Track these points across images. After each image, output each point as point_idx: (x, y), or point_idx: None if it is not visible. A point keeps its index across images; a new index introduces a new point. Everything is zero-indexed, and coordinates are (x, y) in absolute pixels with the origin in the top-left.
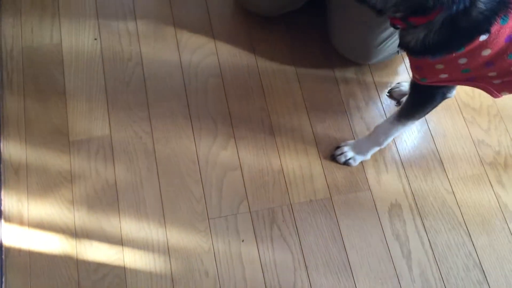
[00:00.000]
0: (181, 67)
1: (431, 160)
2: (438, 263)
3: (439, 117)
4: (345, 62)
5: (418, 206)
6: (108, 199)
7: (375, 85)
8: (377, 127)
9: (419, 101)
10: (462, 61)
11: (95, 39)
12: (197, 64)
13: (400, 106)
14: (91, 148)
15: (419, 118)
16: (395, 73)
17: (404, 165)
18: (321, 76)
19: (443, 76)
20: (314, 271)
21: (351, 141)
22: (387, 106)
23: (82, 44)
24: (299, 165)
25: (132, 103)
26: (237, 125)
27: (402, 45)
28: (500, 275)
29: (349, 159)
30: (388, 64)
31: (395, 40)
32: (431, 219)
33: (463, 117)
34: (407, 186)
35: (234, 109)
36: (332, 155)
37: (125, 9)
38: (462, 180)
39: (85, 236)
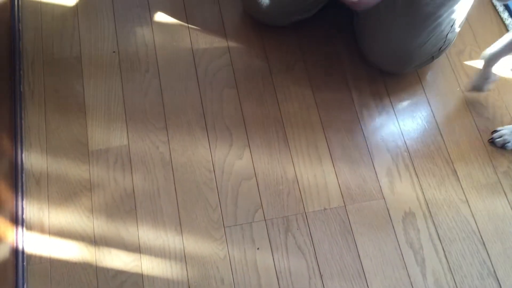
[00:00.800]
0: (197, 78)
1: (444, 169)
2: (453, 272)
3: (453, 127)
4: (358, 72)
5: (432, 214)
6: (126, 207)
7: (388, 96)
8: None
9: None
10: None
11: (114, 52)
12: (213, 75)
13: None
14: (109, 157)
15: None
16: (409, 85)
17: (418, 174)
18: (335, 86)
19: None
20: (328, 279)
21: (511, 126)
22: (399, 114)
23: (101, 56)
24: (314, 174)
25: (149, 114)
26: (252, 135)
27: None
28: None
29: (508, 143)
30: (401, 79)
31: (435, 37)
32: (445, 228)
33: (477, 126)
34: (420, 195)
35: (248, 119)
36: (491, 139)
37: (141, 22)
38: (476, 189)
39: (103, 244)
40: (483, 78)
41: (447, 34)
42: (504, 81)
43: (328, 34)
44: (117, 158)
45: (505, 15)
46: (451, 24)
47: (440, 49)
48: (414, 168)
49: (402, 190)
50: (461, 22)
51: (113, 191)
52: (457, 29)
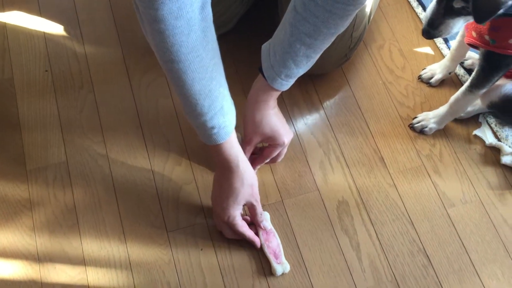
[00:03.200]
0: (132, 90)
1: (372, 157)
2: (386, 252)
3: (378, 117)
4: None
5: (364, 201)
6: (68, 222)
7: (317, 94)
8: (453, 99)
9: (488, 69)
10: None
11: (46, 70)
12: (147, 86)
13: (470, 78)
14: (48, 175)
15: (487, 87)
16: (335, 82)
17: (348, 164)
18: None
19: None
20: (270, 272)
21: (430, 112)
22: (327, 110)
23: (33, 76)
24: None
25: (86, 129)
26: (189, 141)
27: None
28: (442, 257)
29: (425, 128)
30: (327, 77)
31: (341, 38)
32: (376, 212)
33: (399, 115)
34: (352, 184)
35: (185, 127)
36: (410, 124)
37: (72, 39)
38: (402, 173)
39: (48, 260)
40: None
41: (352, 33)
42: (421, 68)
43: (255, 40)
44: (56, 175)
45: (419, 9)
46: (352, 24)
47: (349, 48)
48: (345, 159)
49: (335, 181)
50: (366, 21)
51: (54, 208)
52: (362, 27)
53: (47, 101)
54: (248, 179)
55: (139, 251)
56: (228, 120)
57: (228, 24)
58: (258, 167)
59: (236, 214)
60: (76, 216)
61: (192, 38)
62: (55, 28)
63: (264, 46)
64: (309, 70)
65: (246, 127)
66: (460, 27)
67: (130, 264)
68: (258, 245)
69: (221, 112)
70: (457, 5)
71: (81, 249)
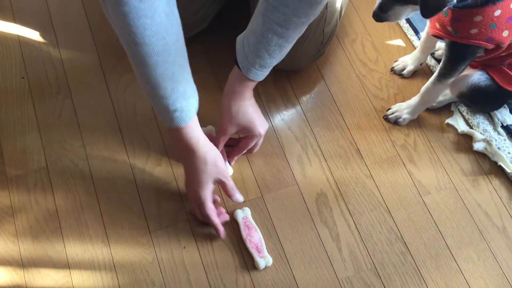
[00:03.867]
0: (110, 95)
1: (349, 150)
2: (364, 241)
3: (353, 110)
4: None
5: (342, 192)
6: (50, 227)
7: (293, 89)
8: (423, 90)
9: (453, 59)
10: (497, 13)
11: (23, 77)
12: (124, 89)
13: (438, 68)
14: (29, 181)
15: (455, 76)
16: (310, 77)
17: (326, 157)
18: None
19: (473, 31)
20: (253, 266)
21: (403, 103)
22: (303, 105)
23: (10, 84)
24: (231, 170)
25: (65, 134)
26: (168, 142)
27: (454, 6)
28: (419, 243)
29: (399, 118)
30: (302, 73)
31: (313, 34)
32: (354, 203)
33: (374, 107)
34: (330, 176)
35: (164, 128)
36: (384, 116)
37: (48, 45)
38: (378, 164)
39: (32, 265)
40: (401, 69)
41: (324, 29)
42: (393, 60)
43: (230, 39)
44: (37, 181)
45: None
46: (323, 19)
47: (322, 43)
48: (322, 153)
49: (313, 174)
50: (338, 16)
51: (36, 214)
52: (334, 22)
53: (25, 108)
54: (211, 158)
55: (123, 252)
56: (191, 104)
57: (202, 23)
58: (236, 158)
59: (207, 196)
60: (59, 220)
61: (156, 21)
62: (30, 34)
63: (239, 38)
64: (283, 67)
65: (222, 117)
66: (408, 15)
67: (114, 265)
68: (222, 234)
69: (184, 96)
70: None
71: (65, 253)
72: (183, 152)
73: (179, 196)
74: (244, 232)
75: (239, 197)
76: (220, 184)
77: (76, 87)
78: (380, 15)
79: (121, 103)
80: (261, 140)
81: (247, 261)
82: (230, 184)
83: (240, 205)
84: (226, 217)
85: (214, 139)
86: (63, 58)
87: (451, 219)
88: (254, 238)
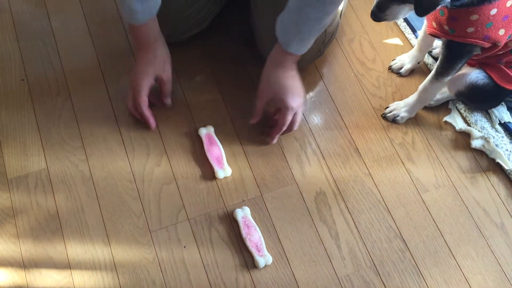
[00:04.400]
0: (109, 96)
1: (347, 148)
2: (364, 239)
3: (351, 109)
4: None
5: (341, 191)
6: (51, 228)
7: None
8: (421, 88)
9: (450, 57)
10: (493, 12)
11: (22, 79)
12: (124, 90)
13: (435, 66)
14: (29, 182)
15: (452, 74)
16: (309, 77)
17: (324, 156)
18: (242, 88)
19: (469, 30)
20: (253, 265)
21: (401, 101)
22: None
23: (10, 86)
24: (230, 171)
25: (65, 135)
26: (167, 141)
27: (451, 5)
28: (418, 241)
29: (397, 116)
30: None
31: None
32: (353, 201)
33: (372, 106)
34: (328, 175)
35: (163, 128)
36: (383, 114)
37: (47, 47)
38: (377, 162)
39: (33, 266)
40: (399, 68)
41: (326, 28)
42: (391, 59)
43: (229, 41)
44: (37, 182)
45: None
46: None
47: (324, 42)
48: (321, 152)
49: (312, 173)
50: (338, 16)
51: (37, 215)
52: (335, 23)
53: (25, 110)
54: (161, 55)
55: (123, 252)
56: (150, 6)
57: (203, 23)
58: (277, 136)
59: (144, 86)
60: (59, 221)
61: None
62: (29, 37)
63: (280, 15)
64: None
65: (260, 84)
66: (405, 14)
67: (115, 265)
68: (153, 126)
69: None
70: None
71: (66, 253)
72: (139, 46)
73: (179, 196)
74: (243, 231)
75: (167, 101)
76: (160, 83)
77: (75, 88)
78: (378, 14)
79: (120, 103)
80: (298, 117)
81: (247, 260)
82: (168, 87)
83: (240, 205)
84: (153, 124)
85: (254, 107)
86: (62, 60)
87: (449, 216)
88: (254, 237)
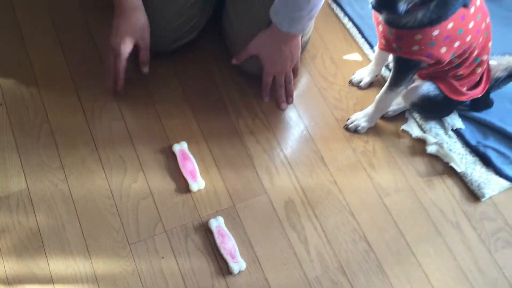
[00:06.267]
0: (85, 117)
1: (313, 158)
2: (331, 243)
3: (316, 121)
4: (230, 87)
5: (308, 198)
6: (34, 245)
7: (258, 104)
8: (377, 98)
9: (400, 71)
10: (435, 33)
11: (1, 104)
12: (100, 111)
13: (388, 78)
14: (11, 203)
15: (404, 85)
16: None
17: (292, 166)
18: (212, 103)
19: (414, 48)
20: (228, 271)
21: (361, 112)
22: (269, 118)
23: None
24: (203, 183)
25: (44, 156)
26: (143, 158)
27: (396, 26)
28: (381, 242)
29: (358, 127)
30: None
31: None
32: (320, 207)
33: (335, 117)
34: (297, 184)
35: (138, 145)
36: (345, 125)
37: (23, 72)
38: (341, 170)
39: (17, 282)
40: (358, 81)
41: (302, 37)
42: (351, 73)
43: (201, 56)
44: (19, 202)
45: (345, 20)
46: None
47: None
48: (289, 162)
49: (281, 182)
50: (312, 28)
51: (19, 233)
52: (309, 34)
53: (4, 134)
54: (142, 23)
55: (104, 265)
56: None
57: (191, 34)
58: (283, 101)
59: (125, 50)
60: (41, 239)
61: None
62: (6, 62)
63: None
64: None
65: (253, 40)
66: None
67: (96, 278)
68: (119, 86)
69: None
70: None
71: (48, 269)
72: (121, 12)
73: (155, 209)
74: (218, 240)
75: (145, 69)
76: (139, 51)
77: (52, 111)
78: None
79: (97, 124)
80: (286, 77)
81: (222, 267)
82: (146, 54)
83: (214, 215)
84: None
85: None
86: (39, 84)
87: (409, 217)
88: (228, 245)
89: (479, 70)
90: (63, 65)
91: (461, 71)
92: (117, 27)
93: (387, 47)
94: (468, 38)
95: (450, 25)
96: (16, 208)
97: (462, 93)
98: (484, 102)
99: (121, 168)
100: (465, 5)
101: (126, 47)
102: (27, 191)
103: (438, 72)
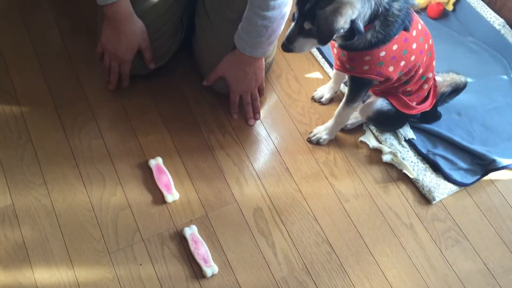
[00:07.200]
0: (66, 135)
1: (279, 169)
2: (296, 246)
3: (281, 134)
4: (202, 106)
5: (275, 205)
6: (19, 257)
7: (229, 121)
8: (336, 113)
9: (355, 88)
10: (382, 54)
11: None
12: (79, 130)
13: (345, 95)
14: None
15: (358, 101)
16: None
17: (260, 177)
18: (185, 121)
19: (365, 67)
20: (202, 275)
21: (322, 126)
22: (239, 133)
23: None
24: (178, 195)
25: (28, 174)
26: (121, 173)
27: (348, 49)
28: (342, 243)
29: (320, 139)
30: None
31: None
32: (286, 214)
33: (298, 131)
34: (264, 193)
35: (116, 160)
36: (308, 138)
37: (6, 95)
38: (305, 179)
39: None
40: (320, 97)
41: (266, 59)
42: (313, 90)
43: (174, 77)
44: (4, 217)
45: None
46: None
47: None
48: (257, 173)
49: (250, 192)
50: (275, 51)
51: (6, 246)
52: (272, 56)
53: None
54: (142, 29)
55: (86, 273)
56: None
57: (163, 59)
58: (251, 117)
59: (130, 57)
60: (26, 250)
61: None
62: None
63: (239, 25)
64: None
65: (221, 63)
66: (310, 47)
67: (78, 285)
68: (112, 86)
69: None
70: (307, 26)
71: (34, 279)
72: (117, 24)
73: (133, 220)
74: (192, 247)
75: (152, 65)
76: (142, 52)
77: (35, 131)
78: (287, 45)
79: (77, 142)
80: (252, 96)
81: (196, 271)
82: (149, 53)
83: (188, 224)
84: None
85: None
86: (21, 105)
87: (367, 220)
88: (201, 250)
89: (426, 86)
90: (44, 88)
91: (410, 87)
92: (118, 39)
93: (341, 68)
94: (412, 58)
95: (394, 47)
96: (2, 223)
97: (412, 107)
98: (432, 115)
99: (101, 182)
100: (406, 29)
101: (132, 55)
102: (12, 206)
103: (390, 88)
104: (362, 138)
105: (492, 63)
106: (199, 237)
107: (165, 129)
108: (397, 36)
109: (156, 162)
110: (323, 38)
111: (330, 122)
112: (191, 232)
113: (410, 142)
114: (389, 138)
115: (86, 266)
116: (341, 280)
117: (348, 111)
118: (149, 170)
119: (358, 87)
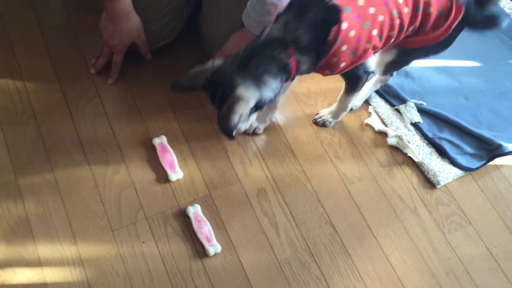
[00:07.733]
0: (70, 112)
1: (284, 150)
2: (299, 227)
3: (287, 117)
4: None
5: (279, 187)
6: (22, 231)
7: None
8: (339, 99)
9: (350, 82)
10: (343, 48)
11: None
12: (84, 107)
13: (344, 84)
14: (1, 193)
15: (358, 91)
16: None
17: (264, 157)
18: (192, 104)
19: (342, 64)
20: (204, 254)
21: (327, 109)
22: None
23: None
24: (182, 174)
25: (31, 150)
26: (125, 151)
27: (302, 73)
28: (345, 225)
29: (326, 121)
30: None
31: None
32: (290, 195)
33: (304, 113)
34: (268, 173)
35: (121, 140)
36: (313, 120)
37: (11, 71)
38: (309, 161)
39: (7, 266)
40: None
41: None
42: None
43: (180, 56)
44: (8, 192)
45: None
46: None
47: None
48: (261, 154)
49: (254, 172)
50: None
51: (9, 220)
52: None
53: None
54: (139, 25)
55: (89, 249)
56: None
57: (171, 35)
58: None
59: (124, 49)
60: (30, 225)
61: None
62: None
63: (248, 3)
64: None
65: (227, 43)
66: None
67: (81, 261)
68: (112, 80)
69: None
70: None
71: (37, 253)
72: (114, 18)
73: (137, 198)
74: (195, 225)
75: (148, 56)
76: (138, 47)
77: (39, 107)
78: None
79: (81, 119)
80: None
81: (199, 250)
82: (145, 47)
83: (191, 203)
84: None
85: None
86: (25, 80)
87: (371, 203)
88: (204, 230)
89: (431, 10)
90: (49, 65)
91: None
92: (113, 31)
93: (328, 74)
94: (380, 18)
95: (352, 33)
96: (6, 198)
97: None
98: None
99: (104, 160)
100: (336, 22)
101: (124, 47)
102: (16, 181)
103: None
104: (367, 121)
105: (501, 47)
106: (203, 216)
107: (169, 108)
108: (332, 49)
109: (160, 141)
110: (227, 133)
111: (334, 106)
112: (195, 211)
113: (416, 125)
114: (395, 121)
115: (89, 242)
116: (343, 261)
117: (349, 99)
118: (153, 148)
119: (354, 78)
